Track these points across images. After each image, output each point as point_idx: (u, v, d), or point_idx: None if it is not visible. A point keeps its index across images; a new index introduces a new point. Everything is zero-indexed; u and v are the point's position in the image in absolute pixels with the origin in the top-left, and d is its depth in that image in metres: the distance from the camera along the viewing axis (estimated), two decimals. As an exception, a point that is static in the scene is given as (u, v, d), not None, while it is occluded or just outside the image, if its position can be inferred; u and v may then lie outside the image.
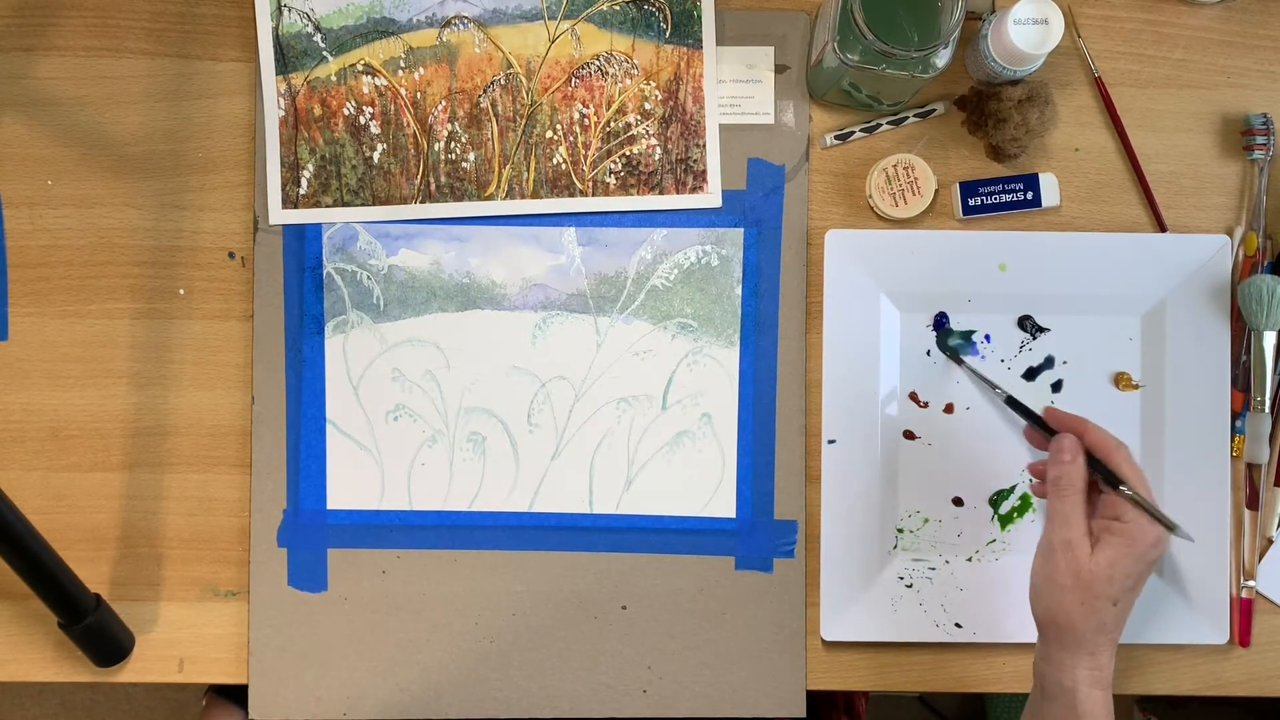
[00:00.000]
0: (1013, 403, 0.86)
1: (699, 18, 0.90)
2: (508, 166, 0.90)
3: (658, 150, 0.90)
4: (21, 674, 0.90)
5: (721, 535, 0.90)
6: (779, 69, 0.91)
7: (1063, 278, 0.89)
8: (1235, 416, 0.89)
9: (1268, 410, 0.89)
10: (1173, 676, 0.90)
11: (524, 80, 0.90)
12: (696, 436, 0.90)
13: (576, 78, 0.90)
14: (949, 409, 0.90)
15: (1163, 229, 0.91)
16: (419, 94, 0.90)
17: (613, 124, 0.90)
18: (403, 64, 0.89)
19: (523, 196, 0.90)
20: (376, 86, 0.89)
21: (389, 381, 0.90)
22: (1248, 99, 0.91)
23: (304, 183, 0.89)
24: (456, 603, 0.90)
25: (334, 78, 0.89)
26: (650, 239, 0.90)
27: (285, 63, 0.89)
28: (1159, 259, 0.89)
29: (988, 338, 0.90)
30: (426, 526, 0.90)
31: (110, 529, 0.90)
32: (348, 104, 0.89)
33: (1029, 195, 0.90)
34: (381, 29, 0.89)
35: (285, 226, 0.90)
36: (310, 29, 0.89)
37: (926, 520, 0.90)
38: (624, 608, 0.90)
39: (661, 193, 0.90)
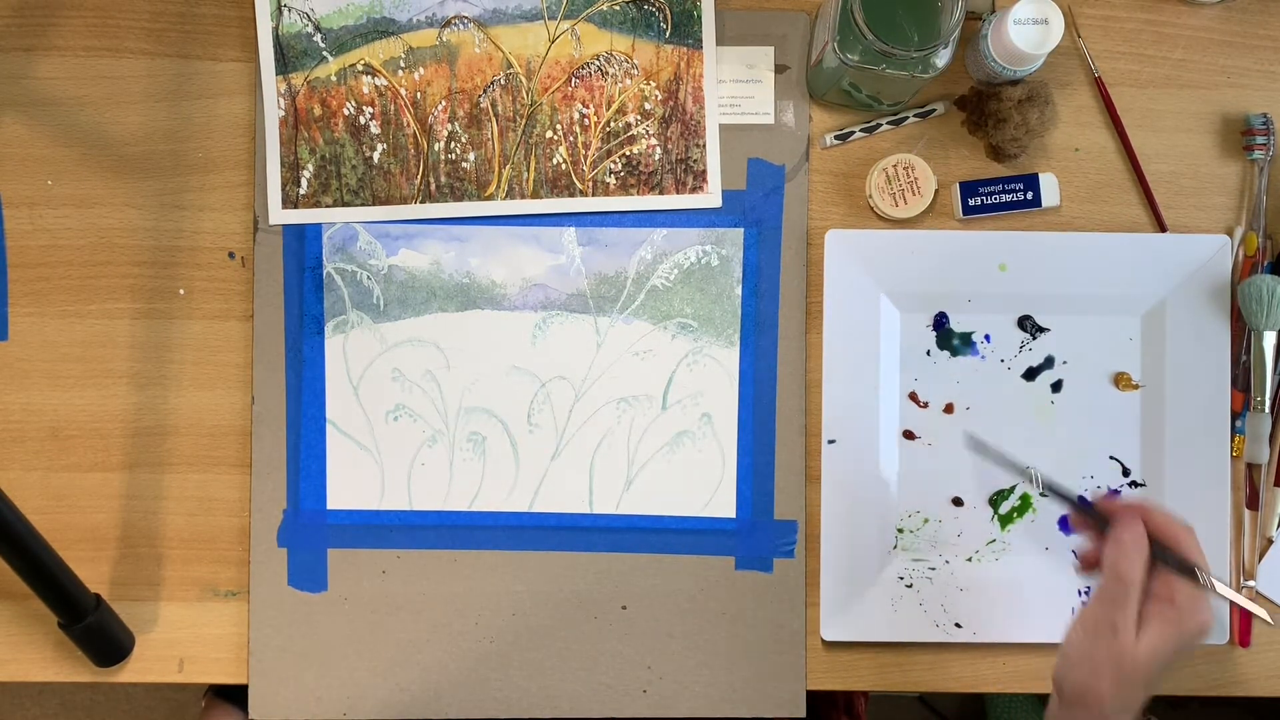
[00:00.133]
0: (1052, 487, 0.79)
1: (699, 18, 0.90)
2: (508, 166, 0.90)
3: (658, 150, 0.90)
4: (21, 674, 0.90)
5: (721, 535, 0.90)
6: (779, 69, 0.91)
7: (1063, 278, 0.89)
8: (1235, 416, 0.89)
9: (1268, 410, 0.89)
10: (1173, 677, 0.90)
11: (524, 80, 0.90)
12: (696, 436, 0.90)
13: (576, 78, 0.90)
14: (949, 409, 0.90)
15: (1163, 229, 0.91)
16: (419, 94, 0.90)
17: (613, 124, 0.90)
18: (403, 64, 0.89)
19: (523, 196, 0.90)
20: (376, 86, 0.89)
21: (389, 381, 0.90)
22: (1248, 99, 0.91)
23: (304, 183, 0.89)
24: (456, 603, 0.90)
25: (334, 78, 0.89)
26: (650, 239, 0.90)
27: (285, 63, 0.89)
28: (1159, 259, 0.89)
29: (988, 338, 0.90)
30: (426, 526, 0.90)
31: (110, 529, 0.90)
32: (348, 104, 0.89)
33: (1029, 195, 0.90)
34: (381, 29, 0.89)
35: (285, 226, 0.90)
36: (310, 29, 0.89)
37: (926, 520, 0.90)
38: (624, 608, 0.90)
39: (661, 193, 0.90)
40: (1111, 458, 0.90)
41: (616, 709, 0.89)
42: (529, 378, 0.90)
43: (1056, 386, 0.90)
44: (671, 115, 0.90)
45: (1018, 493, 0.90)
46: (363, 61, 0.89)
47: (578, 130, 0.90)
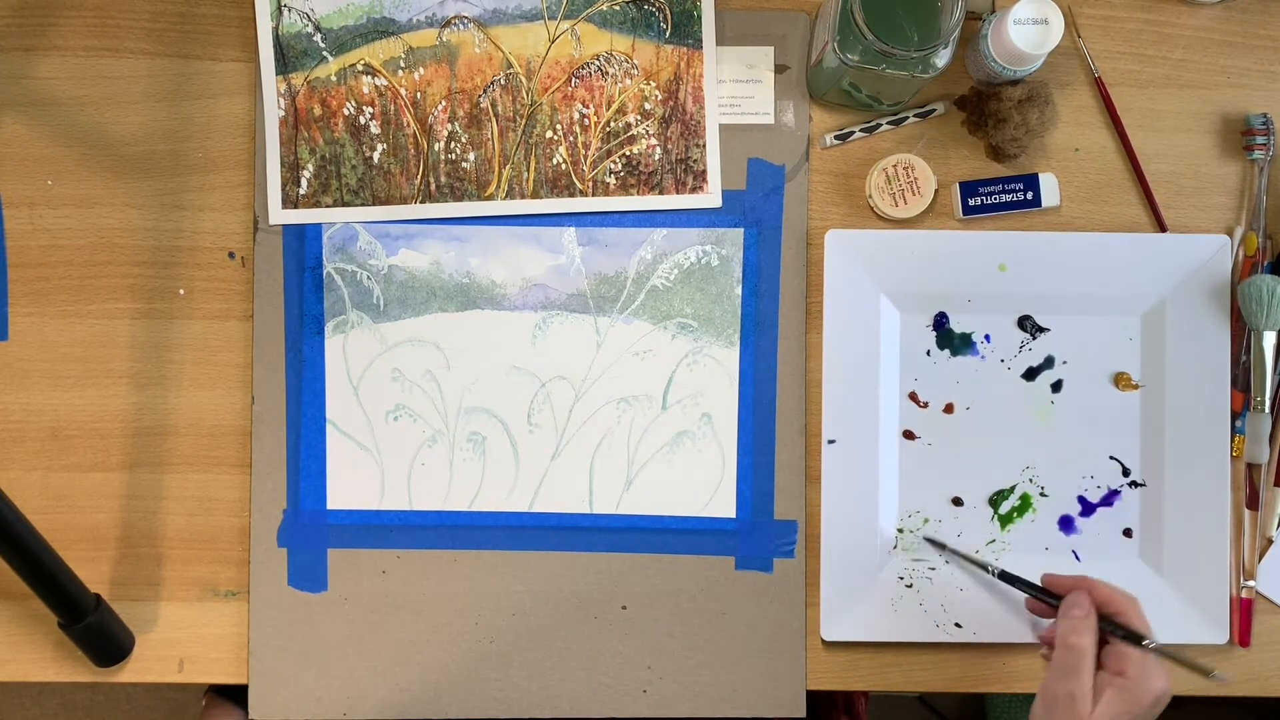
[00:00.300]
0: (1008, 577, 0.85)
1: (699, 18, 0.90)
2: (508, 166, 0.90)
3: (658, 150, 0.90)
4: (21, 674, 0.90)
5: (721, 535, 0.90)
6: (779, 69, 0.91)
7: (1062, 278, 0.89)
8: (1235, 416, 0.89)
9: (1268, 410, 0.89)
10: (1173, 676, 0.90)
11: (524, 80, 0.90)
12: (696, 436, 0.90)
13: (576, 78, 0.90)
14: (949, 409, 0.90)
15: (1163, 229, 0.91)
16: (419, 94, 0.90)
17: (613, 124, 0.90)
18: (403, 64, 0.89)
19: (523, 196, 0.90)
20: (376, 86, 0.89)
21: (389, 381, 0.90)
22: (1248, 99, 0.91)
23: (304, 183, 0.89)
24: (456, 603, 0.90)
25: (334, 78, 0.89)
26: (650, 239, 0.90)
27: (285, 63, 0.89)
28: (1159, 259, 0.89)
29: (988, 338, 0.90)
30: (426, 526, 0.90)
31: (110, 529, 0.90)
32: (348, 104, 0.89)
33: (1029, 195, 0.90)
34: (381, 29, 0.89)
35: (285, 226, 0.90)
36: (310, 29, 0.89)
37: (926, 520, 0.90)
38: (624, 608, 0.90)
39: (661, 193, 0.90)
40: (1111, 458, 0.90)
41: (616, 709, 0.89)
42: (529, 378, 0.90)
43: (1056, 386, 0.90)
44: (671, 115, 0.90)
45: (1018, 493, 0.90)
46: (363, 61, 0.89)
47: (578, 130, 0.90)
